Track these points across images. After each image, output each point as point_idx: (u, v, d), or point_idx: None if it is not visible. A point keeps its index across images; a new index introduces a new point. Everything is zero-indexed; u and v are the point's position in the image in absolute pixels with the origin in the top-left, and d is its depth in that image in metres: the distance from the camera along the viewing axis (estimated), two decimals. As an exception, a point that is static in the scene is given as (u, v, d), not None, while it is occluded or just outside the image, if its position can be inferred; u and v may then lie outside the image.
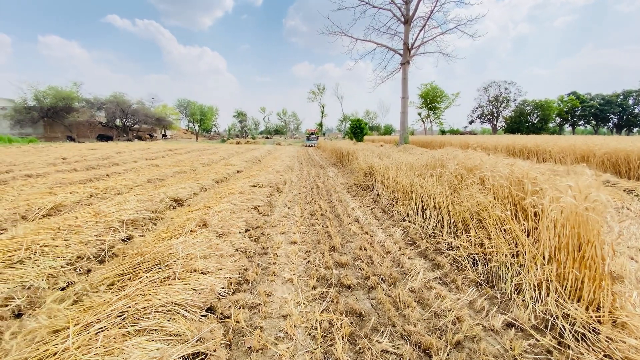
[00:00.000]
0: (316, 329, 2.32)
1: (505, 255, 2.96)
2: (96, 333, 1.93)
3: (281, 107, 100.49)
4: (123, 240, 3.95)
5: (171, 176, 9.37)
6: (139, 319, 2.09)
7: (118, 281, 2.67)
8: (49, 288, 2.73)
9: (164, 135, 58.92)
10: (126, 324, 2.04)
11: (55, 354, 1.76)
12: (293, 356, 2.06)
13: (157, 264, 2.84)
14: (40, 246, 3.25)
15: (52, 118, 38.51)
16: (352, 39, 21.40)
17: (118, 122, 45.29)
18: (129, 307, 2.18)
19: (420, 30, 19.74)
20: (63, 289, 2.80)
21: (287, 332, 2.29)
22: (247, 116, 73.81)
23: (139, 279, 2.60)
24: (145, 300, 2.28)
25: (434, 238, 4.21)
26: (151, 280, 2.57)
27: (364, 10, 20.81)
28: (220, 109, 69.04)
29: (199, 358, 1.94)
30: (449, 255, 3.60)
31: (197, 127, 62.54)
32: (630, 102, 60.66)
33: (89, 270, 3.20)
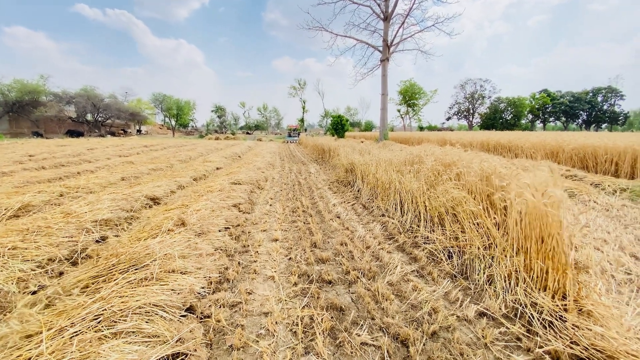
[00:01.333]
0: (297, 324, 2.36)
1: (478, 248, 3.10)
2: (71, 337, 1.88)
3: (262, 102, 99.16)
4: (97, 241, 3.83)
5: (147, 174, 9.10)
6: (115, 322, 2.05)
7: (92, 283, 2.60)
8: (19, 292, 2.62)
9: (139, 131, 56.88)
10: (102, 327, 2.00)
11: (29, 359, 1.71)
12: (274, 352, 2.09)
13: (133, 265, 2.78)
14: (9, 249, 3.10)
15: (18, 113, 36.40)
16: (333, 35, 21.44)
17: (89, 117, 43.37)
18: (105, 309, 2.13)
19: (399, 28, 20.03)
20: (34, 292, 2.70)
21: (268, 329, 2.32)
22: (227, 111, 72.42)
23: (114, 280, 2.54)
24: (122, 302, 2.23)
25: (412, 232, 4.34)
26: (127, 282, 2.52)
27: (344, 6, 20.87)
28: (198, 103, 67.35)
29: (179, 358, 1.94)
30: (426, 248, 3.73)
31: (173, 122, 60.75)
32: (599, 99, 64.16)
33: (61, 273, 3.09)
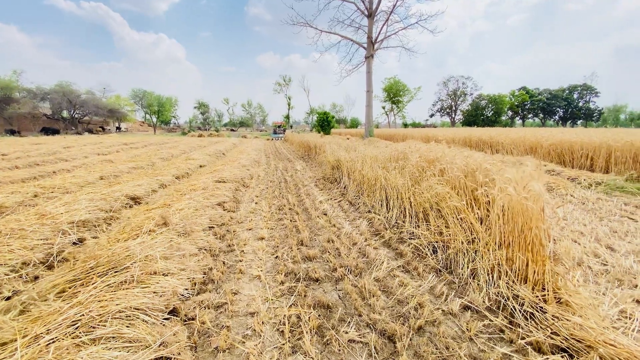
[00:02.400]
0: (284, 324, 2.34)
1: (462, 243, 3.15)
2: (47, 344, 1.80)
3: (246, 99, 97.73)
4: (74, 244, 3.69)
5: (127, 172, 8.83)
6: (94, 327, 1.97)
7: (69, 288, 2.49)
8: (-12, 299, 2.48)
9: (118, 128, 55.15)
10: (80, 333, 1.92)
11: (-2, 371, 1.62)
12: (261, 353, 2.06)
13: (112, 268, 2.68)
14: (-24, 254, 2.94)
15: (-11, 110, 34.60)
16: (317, 31, 21.34)
17: (65, 113, 41.75)
18: (83, 315, 2.05)
19: (384, 25, 20.13)
20: (8, 298, 2.57)
21: (254, 330, 2.29)
22: (210, 107, 71.06)
23: (92, 284, 2.44)
24: (101, 307, 2.15)
25: (397, 228, 4.38)
26: (107, 285, 2.43)
27: (328, 2, 20.80)
28: (180, 99, 65.42)
29: (162, 363, 1.88)
30: (411, 244, 3.77)
31: (154, 119, 59.19)
32: (575, 96, 66.55)
33: (36, 278, 2.96)
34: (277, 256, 3.58)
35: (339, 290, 2.86)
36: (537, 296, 2.35)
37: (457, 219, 3.36)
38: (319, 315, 2.46)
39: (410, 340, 2.18)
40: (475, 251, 2.99)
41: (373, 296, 2.70)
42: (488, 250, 2.82)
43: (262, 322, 2.37)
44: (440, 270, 3.17)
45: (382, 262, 3.33)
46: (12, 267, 2.93)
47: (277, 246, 3.86)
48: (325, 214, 5.23)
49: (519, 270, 2.52)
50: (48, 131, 36.51)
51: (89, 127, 45.56)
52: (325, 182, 8.08)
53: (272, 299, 2.69)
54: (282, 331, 2.27)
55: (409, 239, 3.95)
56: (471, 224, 3.11)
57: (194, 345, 2.13)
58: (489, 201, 3.10)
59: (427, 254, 3.48)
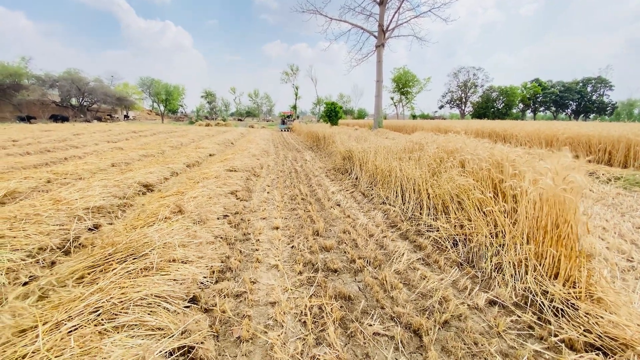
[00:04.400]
0: (306, 314, 2.29)
1: (486, 236, 3.06)
2: (68, 332, 1.77)
3: (252, 88, 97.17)
4: (90, 229, 3.68)
5: (138, 160, 8.84)
6: (116, 315, 1.94)
7: (89, 274, 2.47)
8: (9, 283, 2.47)
9: (126, 117, 55.29)
10: (102, 320, 1.89)
11: (25, 356, 1.59)
12: (284, 344, 2.02)
13: (131, 254, 2.65)
14: (-6, 238, 2.93)
15: (-1, 97, 34.87)
16: (327, 18, 20.93)
17: (74, 101, 41.95)
18: (104, 302, 2.02)
19: (395, 13, 19.65)
20: (25, 284, 2.56)
21: (276, 320, 2.24)
22: (217, 97, 70.82)
23: (112, 270, 2.41)
24: (122, 293, 2.12)
25: (414, 220, 4.29)
26: (126, 272, 2.40)
27: (339, -12, 20.28)
28: (186, 88, 65.13)
29: (186, 352, 1.85)
30: (430, 236, 3.68)
31: (162, 108, 59.18)
32: (589, 89, 64.68)
33: (53, 263, 2.95)
34: (293, 246, 3.52)
35: (358, 282, 2.81)
36: (569, 292, 2.26)
37: (480, 212, 3.26)
38: (341, 307, 2.41)
39: (437, 334, 2.11)
40: (500, 245, 2.90)
41: (395, 289, 2.64)
42: (514, 244, 2.73)
43: (283, 313, 2.32)
44: (462, 264, 3.09)
45: (402, 255, 3.25)
46: (28, 252, 2.92)
47: (293, 236, 3.80)
48: (339, 205, 5.16)
49: (549, 265, 2.43)
50: (57, 118, 36.74)
51: (97, 115, 45.81)
52: (336, 173, 7.99)
53: (291, 289, 2.64)
54: (305, 322, 2.23)
55: (427, 231, 3.87)
56: (496, 217, 3.01)
57: (215, 334, 2.09)
58: (515, 194, 2.99)
59: (447, 247, 3.40)
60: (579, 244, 2.39)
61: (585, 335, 2.04)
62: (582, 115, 66.31)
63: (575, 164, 2.42)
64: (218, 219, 3.99)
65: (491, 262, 2.88)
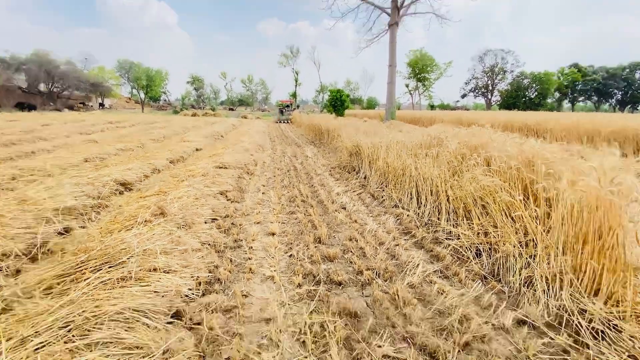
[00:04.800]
0: (306, 333, 2.30)
1: (514, 246, 3.06)
2: (35, 349, 1.80)
3: (246, 73, 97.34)
4: (60, 233, 3.72)
5: (114, 154, 8.92)
6: (89, 330, 1.96)
7: (58, 284, 2.50)
8: (-34, 294, 2.51)
9: (102, 105, 55.70)
10: (73, 336, 1.92)
11: (-17, 377, 1.62)
12: (280, 366, 2.03)
13: (106, 262, 2.68)
14: (-49, 242, 2.97)
15: (-45, 81, 35.22)
16: (333, -7, 20.92)
17: (42, 87, 42.25)
18: (76, 315, 2.04)
19: (412, -14, 19.59)
20: (-15, 294, 2.59)
21: (271, 339, 2.26)
22: (205, 83, 71.13)
23: (85, 280, 2.44)
24: (96, 306, 2.14)
25: (431, 226, 4.30)
26: (101, 282, 2.42)
27: (347, -42, 20.29)
28: (171, 73, 65.42)
29: (168, 374, 1.87)
30: (449, 245, 3.68)
31: (142, 95, 59.59)
32: (637, 75, 63.70)
33: (18, 271, 2.99)
34: (291, 255, 3.54)
35: (366, 297, 2.82)
36: (611, 312, 2.26)
37: (508, 217, 3.26)
38: (345, 325, 2.42)
39: (456, 358, 2.12)
40: (531, 256, 2.89)
41: (408, 305, 2.64)
42: (548, 254, 2.73)
43: (280, 331, 2.33)
44: (486, 277, 3.09)
45: (417, 266, 3.26)
46: (-10, 258, 2.96)
47: (291, 243, 3.82)
48: (344, 208, 5.17)
49: (588, 279, 2.42)
50: (23, 106, 37.08)
51: (69, 103, 46.12)
52: (342, 171, 8.02)
53: (289, 304, 2.66)
54: (304, 342, 2.24)
55: (446, 239, 3.87)
56: (527, 223, 3.00)
57: (202, 354, 2.11)
58: (548, 197, 2.98)
59: (469, 258, 3.40)
60: (626, 256, 2.38)
61: (628, 362, 2.04)
62: (629, 106, 65.66)
63: (622, 163, 2.41)
64: (206, 222, 4.02)
65: (520, 275, 2.88)
